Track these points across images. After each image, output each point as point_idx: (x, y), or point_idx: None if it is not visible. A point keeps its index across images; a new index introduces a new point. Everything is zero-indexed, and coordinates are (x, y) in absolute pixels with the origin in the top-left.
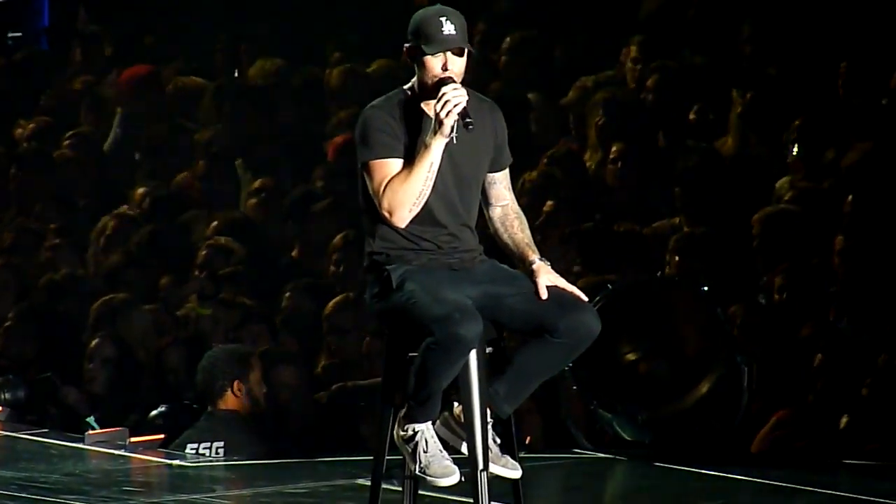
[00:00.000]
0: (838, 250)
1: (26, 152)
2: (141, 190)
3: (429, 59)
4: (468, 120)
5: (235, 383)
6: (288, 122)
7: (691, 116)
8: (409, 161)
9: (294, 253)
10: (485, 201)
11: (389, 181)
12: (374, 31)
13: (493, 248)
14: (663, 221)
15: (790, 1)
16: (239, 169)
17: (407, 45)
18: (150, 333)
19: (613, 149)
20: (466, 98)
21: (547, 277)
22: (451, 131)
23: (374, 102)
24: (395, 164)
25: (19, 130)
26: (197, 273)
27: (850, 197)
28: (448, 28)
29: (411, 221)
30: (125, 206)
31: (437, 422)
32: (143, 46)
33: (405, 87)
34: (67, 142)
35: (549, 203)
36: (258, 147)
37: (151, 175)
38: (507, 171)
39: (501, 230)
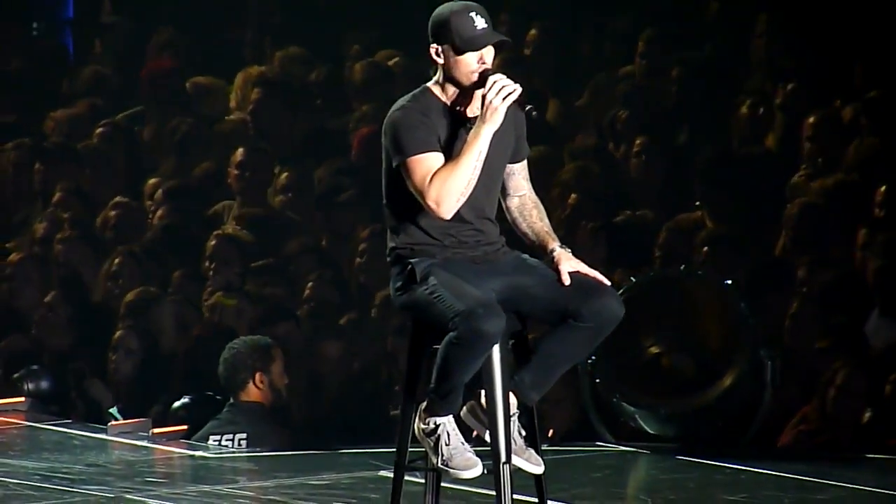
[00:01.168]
0: (861, 244)
1: (53, 144)
2: (157, 181)
3: (464, 56)
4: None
5: (258, 375)
6: (312, 114)
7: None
8: (447, 156)
9: (323, 244)
10: (503, 192)
11: (436, 173)
12: (394, 25)
13: (516, 239)
14: (686, 215)
15: None
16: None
17: (435, 45)
18: (175, 325)
19: (637, 142)
20: (520, 87)
21: (569, 264)
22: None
23: (400, 103)
24: (436, 157)
25: (50, 123)
26: (207, 264)
27: (882, 188)
28: (480, 23)
29: (435, 218)
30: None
31: (464, 409)
32: (167, 38)
33: (428, 84)
34: (100, 129)
35: (573, 196)
36: (283, 139)
37: (176, 167)
38: (525, 161)
39: (520, 220)
